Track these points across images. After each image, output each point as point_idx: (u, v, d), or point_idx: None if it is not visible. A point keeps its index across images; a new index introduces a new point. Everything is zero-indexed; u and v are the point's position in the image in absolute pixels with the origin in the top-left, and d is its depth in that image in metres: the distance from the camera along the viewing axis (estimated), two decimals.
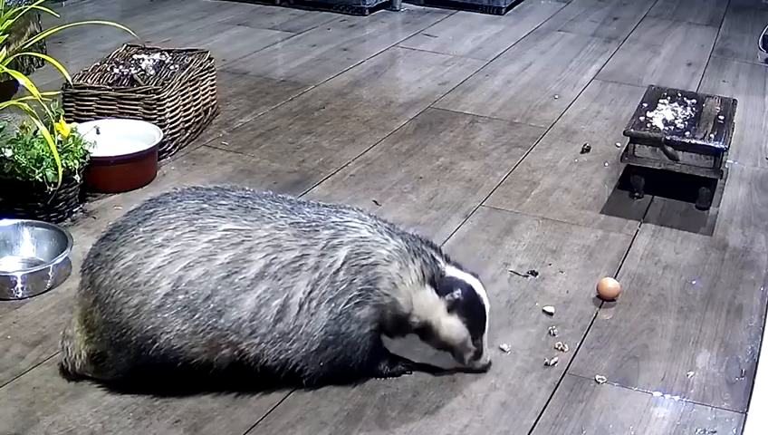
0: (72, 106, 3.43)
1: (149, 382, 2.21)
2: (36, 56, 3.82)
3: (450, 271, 2.25)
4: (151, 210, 2.18)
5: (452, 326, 2.22)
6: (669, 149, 3.20)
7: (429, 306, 2.21)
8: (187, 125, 3.61)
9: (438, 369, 2.35)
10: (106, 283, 2.13)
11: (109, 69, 3.61)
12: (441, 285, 2.21)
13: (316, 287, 2.13)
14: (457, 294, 2.20)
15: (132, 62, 3.69)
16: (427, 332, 2.25)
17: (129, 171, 3.24)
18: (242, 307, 2.10)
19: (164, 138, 3.38)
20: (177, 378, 2.18)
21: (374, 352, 2.26)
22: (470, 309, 2.23)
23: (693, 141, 3.19)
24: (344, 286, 2.14)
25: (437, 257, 2.25)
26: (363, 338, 2.20)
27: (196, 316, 2.09)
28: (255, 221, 2.15)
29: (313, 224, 2.18)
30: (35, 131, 2.84)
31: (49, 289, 2.63)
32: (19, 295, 2.59)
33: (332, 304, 2.14)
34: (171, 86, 3.47)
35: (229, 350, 2.14)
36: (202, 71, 3.72)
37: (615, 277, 2.77)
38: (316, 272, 2.13)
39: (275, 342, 2.13)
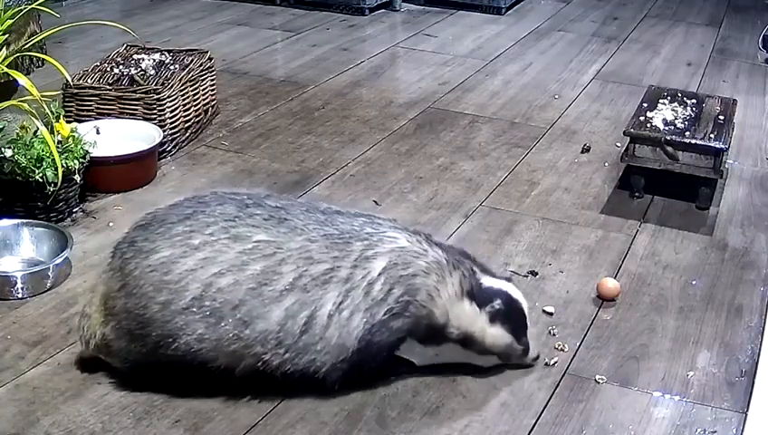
0: (72, 106, 3.43)
1: (157, 378, 2.20)
2: (36, 56, 3.82)
3: (486, 281, 2.26)
4: (192, 210, 2.18)
5: (496, 335, 2.26)
6: (669, 149, 3.20)
7: (468, 318, 2.23)
8: (187, 125, 3.61)
9: (438, 369, 2.35)
10: (137, 272, 2.12)
11: (109, 69, 3.61)
12: (480, 297, 2.23)
13: (347, 298, 2.11)
14: (497, 304, 2.23)
15: (132, 62, 3.69)
16: (468, 341, 2.27)
17: (129, 171, 3.24)
18: (269, 319, 2.09)
19: (164, 138, 3.38)
20: (188, 377, 2.17)
21: (394, 359, 2.30)
22: (511, 316, 2.26)
23: (693, 141, 3.19)
24: (381, 296, 2.13)
25: (474, 268, 2.26)
26: (392, 347, 2.22)
27: (222, 324, 2.09)
28: (288, 233, 2.14)
29: (346, 236, 2.17)
30: (35, 131, 2.84)
31: (49, 289, 2.63)
32: (19, 295, 2.59)
33: (368, 315, 2.13)
34: (171, 86, 3.47)
35: (253, 359, 2.13)
36: (202, 71, 3.72)
37: (615, 277, 2.77)
38: (348, 283, 2.12)
39: (300, 353, 2.12)
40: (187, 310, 2.08)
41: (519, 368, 2.37)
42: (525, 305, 2.31)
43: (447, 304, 2.20)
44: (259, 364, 2.13)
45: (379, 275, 2.14)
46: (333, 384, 2.19)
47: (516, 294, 2.29)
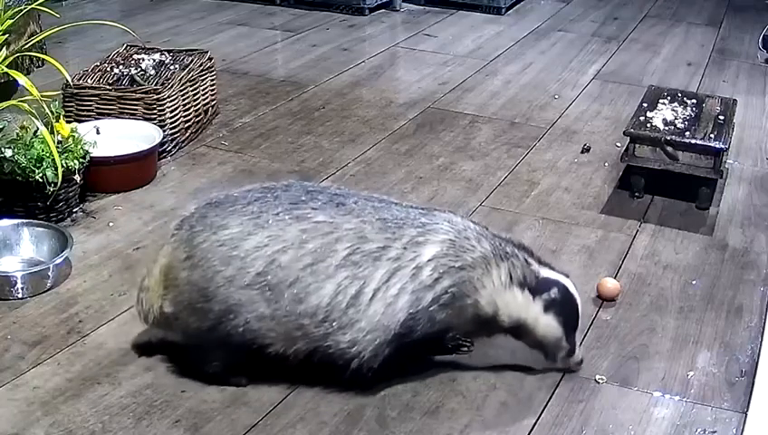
0: (72, 106, 3.43)
1: (214, 358, 2.23)
2: (36, 56, 3.82)
3: (545, 272, 2.29)
4: (261, 194, 2.24)
5: (548, 325, 2.27)
6: (669, 149, 3.20)
7: (520, 306, 2.25)
8: (187, 125, 3.61)
9: (439, 369, 2.35)
10: (205, 245, 2.16)
11: (109, 69, 3.61)
12: (537, 286, 2.25)
13: (394, 276, 2.15)
14: (554, 293, 2.25)
15: (132, 62, 3.69)
16: (521, 330, 2.29)
17: (129, 171, 3.24)
18: (321, 293, 2.13)
19: (164, 138, 3.38)
20: (243, 362, 2.21)
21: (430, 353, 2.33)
22: (565, 308, 2.28)
23: (693, 141, 3.19)
24: (429, 283, 2.17)
25: (530, 260, 2.29)
26: (431, 338, 2.24)
27: (279, 301, 2.12)
28: (345, 215, 2.19)
29: (400, 222, 2.22)
30: (35, 131, 2.84)
31: (49, 289, 2.63)
32: (19, 295, 2.59)
33: (414, 298, 2.16)
34: (171, 86, 3.47)
35: (302, 341, 2.15)
36: (202, 71, 3.72)
37: (615, 277, 2.77)
38: (396, 262, 2.16)
39: (344, 329, 2.14)
40: (250, 286, 2.13)
41: (517, 368, 2.37)
42: (580, 303, 2.32)
43: (494, 293, 2.23)
44: (308, 345, 2.15)
45: (429, 261, 2.18)
46: (370, 370, 2.19)
47: (573, 289, 2.31)
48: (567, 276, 2.33)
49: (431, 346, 2.35)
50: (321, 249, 2.14)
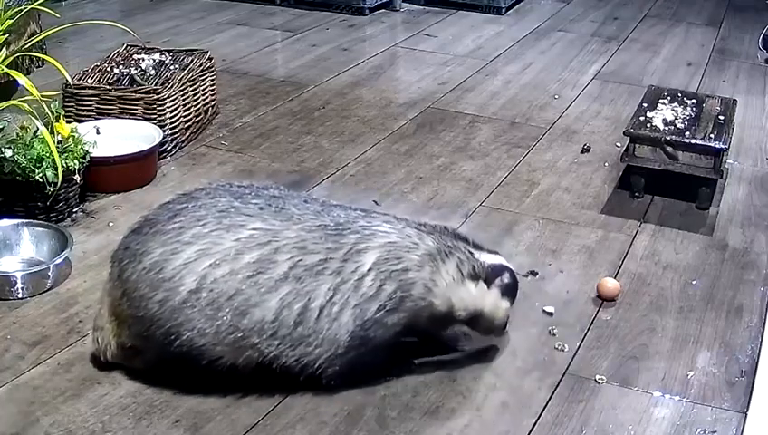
0: (72, 106, 3.43)
1: (176, 376, 2.21)
2: (36, 56, 3.82)
3: (485, 258, 2.32)
4: (182, 205, 2.19)
5: (506, 308, 2.35)
6: (669, 149, 3.20)
7: (476, 298, 2.28)
8: (187, 125, 3.61)
9: (439, 369, 2.36)
10: (134, 277, 2.14)
11: (109, 69, 3.61)
12: (488, 276, 2.29)
13: (338, 292, 2.12)
14: (506, 278, 2.32)
15: (132, 62, 3.69)
16: (478, 319, 2.33)
17: (129, 171, 3.24)
18: (265, 308, 2.10)
19: (164, 138, 3.38)
20: (202, 375, 2.18)
21: (394, 356, 2.30)
22: (513, 288, 2.37)
23: (693, 141, 3.19)
24: (372, 292, 2.14)
25: (471, 249, 2.30)
26: (388, 342, 2.22)
27: (220, 315, 2.09)
28: (284, 222, 2.15)
29: (340, 228, 2.18)
30: (35, 131, 2.84)
31: (49, 289, 2.63)
32: (19, 295, 2.59)
33: (358, 310, 2.14)
34: (171, 86, 3.47)
35: (252, 352, 2.13)
36: (202, 71, 3.72)
37: (615, 277, 2.77)
38: (338, 277, 2.13)
39: (295, 345, 2.13)
40: (185, 304, 2.09)
41: (515, 369, 2.37)
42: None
43: (447, 290, 2.23)
44: (258, 357, 2.14)
45: (369, 270, 2.15)
46: (330, 380, 2.19)
47: (511, 267, 2.38)
48: (497, 253, 2.39)
49: (402, 349, 2.33)
50: (260, 260, 2.10)
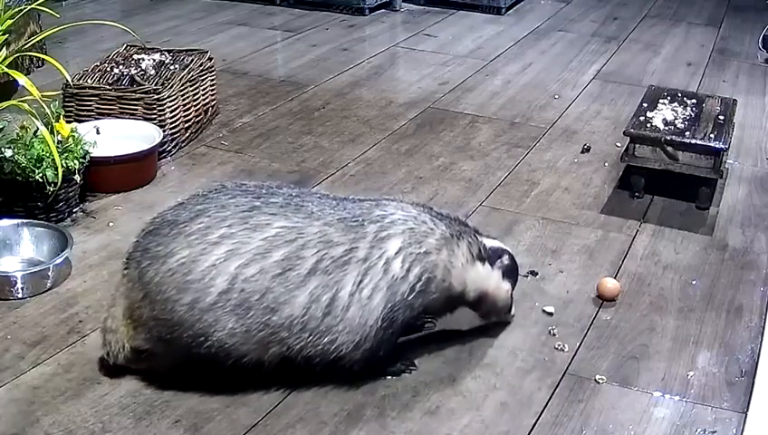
0: (71, 106, 3.43)
1: (194, 377, 2.21)
2: (36, 56, 3.82)
3: (486, 241, 2.40)
4: (202, 206, 2.18)
5: (507, 289, 2.43)
6: (669, 149, 3.20)
7: (483, 279, 2.35)
8: (187, 125, 3.61)
9: (439, 369, 2.36)
10: (157, 279, 2.12)
11: (109, 69, 3.61)
12: (490, 257, 2.37)
13: (366, 276, 2.16)
14: (505, 259, 2.41)
15: (132, 62, 3.69)
16: (481, 301, 2.39)
17: (129, 171, 3.24)
18: (294, 304, 2.11)
19: (164, 138, 3.38)
20: (224, 374, 2.18)
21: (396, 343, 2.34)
22: (513, 270, 2.45)
23: (693, 141, 3.19)
24: (402, 274, 2.19)
25: (476, 233, 2.38)
26: (409, 325, 2.32)
27: (250, 314, 2.10)
28: (306, 218, 2.18)
29: (360, 219, 2.22)
30: (35, 131, 2.84)
31: (49, 289, 2.63)
32: (19, 295, 2.59)
33: (390, 292, 2.18)
34: (171, 86, 3.47)
35: (279, 347, 2.14)
36: (202, 71, 3.72)
37: (615, 277, 2.77)
38: (365, 263, 2.16)
39: (323, 335, 2.15)
40: (215, 305, 2.09)
41: (515, 369, 2.37)
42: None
43: (463, 272, 2.29)
44: (286, 351, 2.15)
45: (396, 253, 2.19)
46: (353, 365, 2.21)
47: (509, 249, 2.48)
48: (495, 238, 2.49)
49: (406, 330, 2.38)
50: (288, 257, 2.11)
